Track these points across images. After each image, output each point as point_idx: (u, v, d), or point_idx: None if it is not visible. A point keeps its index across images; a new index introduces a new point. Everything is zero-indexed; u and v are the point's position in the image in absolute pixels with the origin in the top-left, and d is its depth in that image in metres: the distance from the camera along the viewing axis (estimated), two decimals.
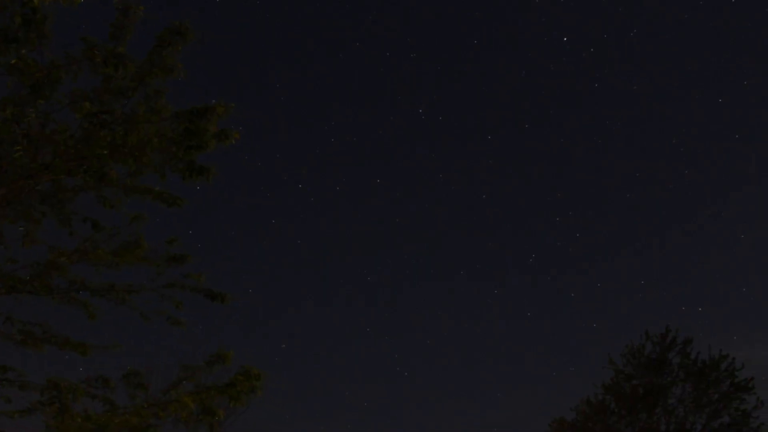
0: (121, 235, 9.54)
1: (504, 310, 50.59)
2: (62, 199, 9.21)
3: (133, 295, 9.71)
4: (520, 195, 53.88)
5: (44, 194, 9.03)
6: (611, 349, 27.00)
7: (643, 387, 26.35)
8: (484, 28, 49.30)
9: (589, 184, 54.49)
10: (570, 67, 50.91)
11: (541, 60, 49.92)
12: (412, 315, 53.21)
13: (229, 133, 8.59)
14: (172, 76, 8.20)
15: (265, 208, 54.06)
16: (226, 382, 8.83)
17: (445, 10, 48.12)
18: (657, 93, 50.73)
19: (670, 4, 47.24)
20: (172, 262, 9.63)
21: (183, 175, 8.67)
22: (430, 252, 54.38)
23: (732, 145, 49.15)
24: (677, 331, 26.57)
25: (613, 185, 54.04)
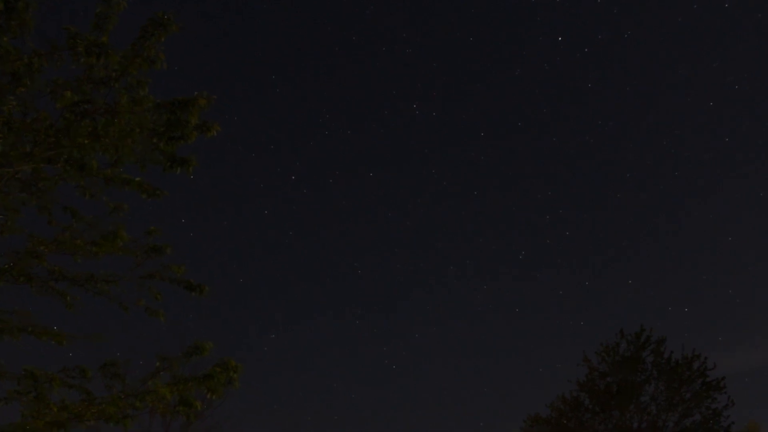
0: (100, 225, 9.47)
1: (493, 306, 50.87)
2: (42, 188, 9.12)
3: (111, 286, 9.64)
4: (512, 193, 54.17)
5: (24, 183, 8.94)
6: (598, 347, 27.17)
7: (617, 385, 26.55)
8: (480, 27, 49.49)
9: (581, 183, 54.94)
10: (564, 66, 51.21)
11: (536, 59, 50.19)
12: (403, 311, 53.47)
13: (210, 125, 8.59)
14: (155, 67, 8.16)
15: (257, 198, 54.04)
16: (204, 373, 8.81)
17: (442, 8, 48.25)
18: (649, 95, 51.15)
19: (664, 8, 47.67)
20: (152, 253, 9.57)
21: (164, 166, 8.66)
22: (421, 247, 54.61)
23: (720, 147, 49.64)
24: (651, 330, 26.79)
25: (605, 185, 54.50)
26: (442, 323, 53.56)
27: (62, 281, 9.59)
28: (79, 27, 7.96)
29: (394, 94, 52.39)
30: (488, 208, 53.71)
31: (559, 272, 53.87)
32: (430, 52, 50.62)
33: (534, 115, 52.25)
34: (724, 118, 49.59)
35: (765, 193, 50.31)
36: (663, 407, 26.16)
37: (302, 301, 53.72)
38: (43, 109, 8.16)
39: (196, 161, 8.77)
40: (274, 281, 52.97)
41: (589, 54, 48.24)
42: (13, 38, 7.80)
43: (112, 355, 9.39)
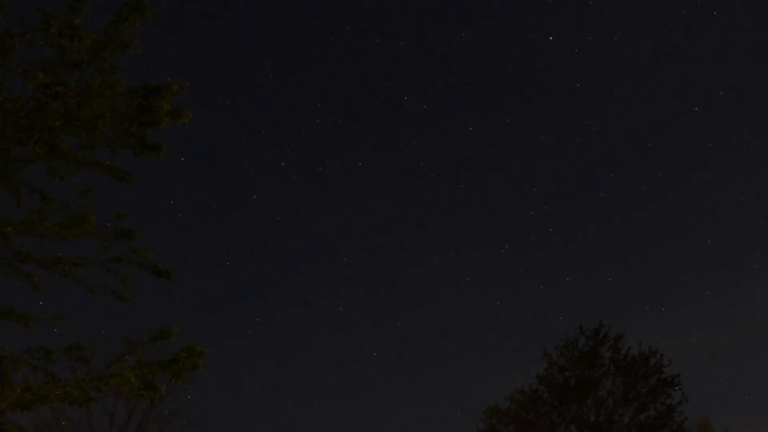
0: (69, 208, 9.35)
1: (474, 297, 51.15)
2: (11, 169, 8.98)
3: (79, 269, 9.53)
4: (497, 187, 54.45)
5: None
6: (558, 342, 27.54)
7: (575, 379, 26.84)
8: (473, 24, 49.67)
9: (564, 179, 55.38)
10: (554, 65, 51.57)
11: (527, 57, 50.49)
12: (387, 299, 53.58)
13: (182, 111, 8.51)
14: (128, 52, 8.07)
15: (246, 184, 53.78)
16: (169, 357, 8.74)
17: (437, 4, 48.30)
18: (635, 96, 51.72)
19: (655, 12, 48.18)
20: (120, 237, 9.47)
21: (134, 150, 8.57)
22: (406, 237, 54.74)
23: (694, 146, 50.34)
24: (610, 326, 27.12)
25: (590, 182, 54.99)
26: (425, 312, 53.95)
27: (29, 263, 9.47)
28: (53, 8, 7.86)
29: (386, 86, 52.58)
30: (473, 200, 54.17)
31: (542, 266, 54.51)
32: (422, 46, 50.86)
33: (522, 112, 52.80)
34: (707, 121, 50.63)
35: (735, 188, 51.45)
36: (619, 402, 26.50)
37: (287, 288, 53.81)
38: (15, 89, 8.05)
39: (167, 147, 8.69)
40: (259, 268, 53.05)
41: (579, 54, 48.79)
42: None
43: (80, 338, 9.29)
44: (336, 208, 53.48)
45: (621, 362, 26.75)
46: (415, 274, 54.76)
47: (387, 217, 53.84)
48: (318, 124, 50.17)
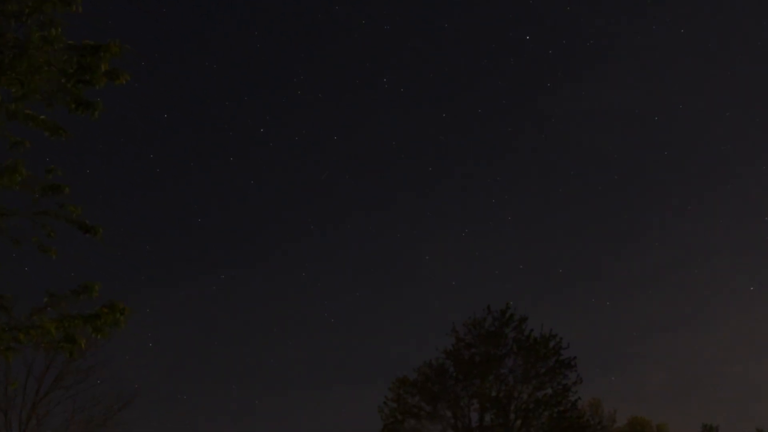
0: None
1: (435, 279, 51.66)
2: None
3: (4, 219, 9.26)
4: (463, 175, 55.04)
5: None
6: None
7: (480, 356, 27.52)
8: (456, 17, 49.99)
9: (524, 174, 56.30)
10: (528, 64, 52.32)
11: (503, 53, 51.17)
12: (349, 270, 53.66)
13: (120, 72, 8.37)
14: (70, 9, 7.86)
15: (225, 149, 53.08)
16: (91, 312, 8.63)
17: None
18: (604, 102, 53.01)
19: (627, 21, 49.26)
20: (49, 191, 9.23)
21: (69, 107, 8.38)
22: (376, 212, 54.87)
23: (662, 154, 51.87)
24: (515, 308, 27.86)
25: (551, 178, 56.11)
26: (383, 284, 54.33)
27: None
28: None
29: (367, 66, 52.64)
30: (439, 184, 54.78)
31: (502, 252, 55.54)
32: (407, 32, 51.05)
33: (494, 106, 53.56)
34: (666, 131, 52.38)
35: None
36: (519, 379, 27.32)
37: (253, 250, 53.60)
38: None
39: (103, 105, 8.53)
40: (226, 229, 52.81)
41: (553, 56, 49.77)
42: None
43: (2, 289, 9.06)
44: (307, 179, 53.78)
45: (523, 343, 27.53)
46: (370, 249, 55.28)
47: (358, 191, 54.30)
48: (299, 95, 50.28)
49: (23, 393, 22.28)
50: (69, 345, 8.71)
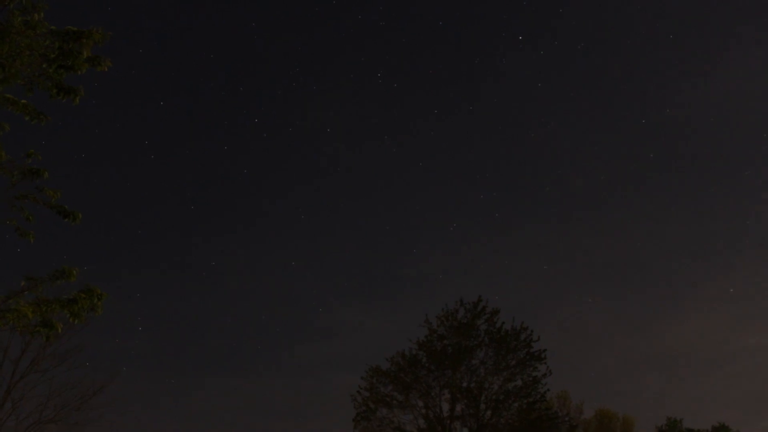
0: None
1: (420, 271, 52.02)
2: None
3: None
4: (452, 171, 55.38)
5: None
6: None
7: (452, 347, 27.66)
8: (450, 15, 50.16)
9: (508, 170, 56.75)
10: (519, 64, 52.72)
11: (494, 52, 51.50)
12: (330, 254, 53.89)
13: (101, 59, 8.34)
14: None
15: (215, 130, 53.09)
16: (68, 297, 8.61)
17: None
18: (591, 103, 53.58)
19: (619, 24, 49.70)
20: (28, 175, 9.18)
21: (50, 92, 8.34)
22: (362, 204, 55.11)
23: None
24: (487, 301, 28.06)
25: (537, 174, 56.60)
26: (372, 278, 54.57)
27: None
28: None
29: (362, 60, 52.88)
30: (428, 180, 55.09)
31: (486, 247, 56.01)
32: (401, 29, 51.26)
33: (484, 104, 53.89)
34: (651, 137, 52.97)
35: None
36: (490, 371, 27.51)
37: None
38: None
39: (83, 91, 8.49)
40: (217, 215, 52.86)
41: (543, 57, 50.13)
42: None
43: None
44: (295, 166, 54.00)
45: (495, 335, 27.73)
46: (349, 236, 55.67)
47: (344, 180, 54.61)
48: (294, 87, 50.37)
49: None
50: (45, 329, 8.68)
